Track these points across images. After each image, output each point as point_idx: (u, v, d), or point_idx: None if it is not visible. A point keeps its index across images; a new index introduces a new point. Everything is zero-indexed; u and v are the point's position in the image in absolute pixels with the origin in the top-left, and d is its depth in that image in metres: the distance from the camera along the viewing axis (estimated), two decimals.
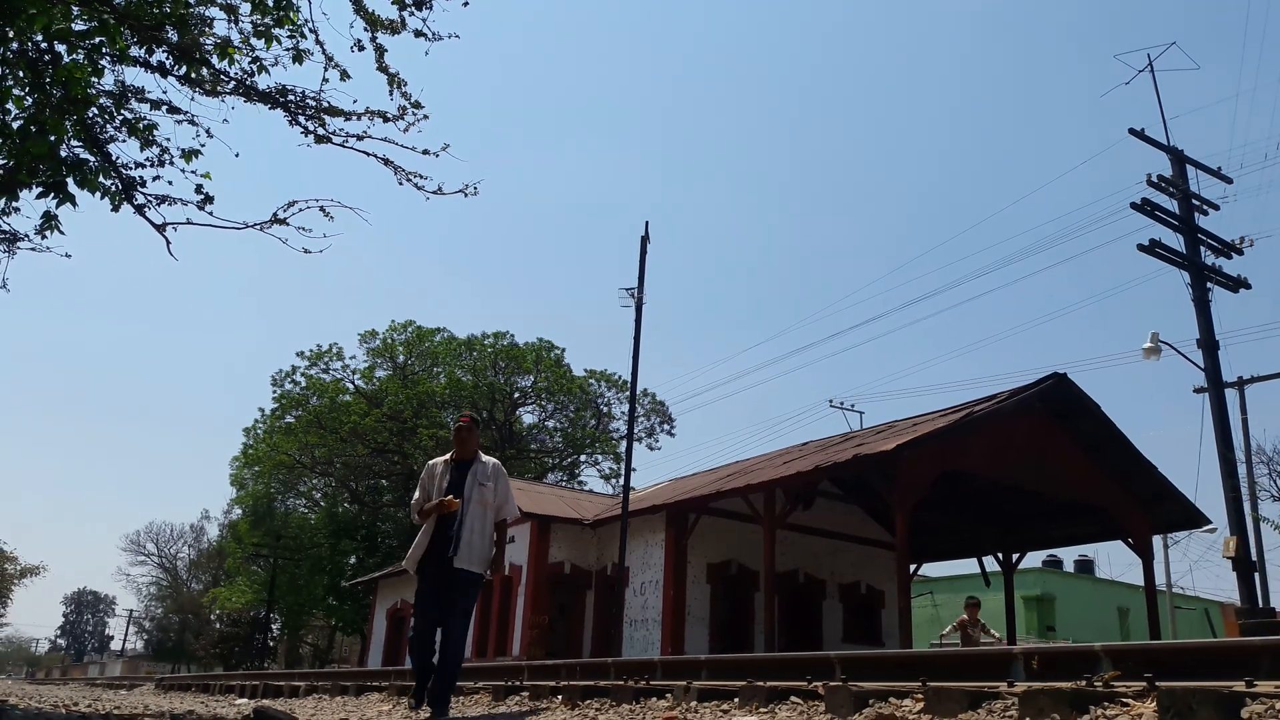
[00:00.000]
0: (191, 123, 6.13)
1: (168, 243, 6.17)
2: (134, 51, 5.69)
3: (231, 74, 6.03)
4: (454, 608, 6.04)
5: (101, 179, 5.89)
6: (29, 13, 4.68)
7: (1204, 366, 15.55)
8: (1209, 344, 15.40)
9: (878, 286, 74.96)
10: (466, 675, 10.24)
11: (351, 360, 38.54)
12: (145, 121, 6.05)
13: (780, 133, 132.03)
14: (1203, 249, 15.91)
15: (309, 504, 42.75)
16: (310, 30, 5.95)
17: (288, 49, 5.94)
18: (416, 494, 6.35)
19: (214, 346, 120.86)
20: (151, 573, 72.11)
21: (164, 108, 6.07)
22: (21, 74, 5.49)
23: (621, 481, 25.63)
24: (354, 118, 6.19)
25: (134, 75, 6.05)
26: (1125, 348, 78.68)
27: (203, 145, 6.09)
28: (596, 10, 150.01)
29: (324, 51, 6.02)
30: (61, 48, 5.33)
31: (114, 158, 6.06)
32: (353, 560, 37.06)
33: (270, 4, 5.75)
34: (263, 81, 6.08)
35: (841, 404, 33.72)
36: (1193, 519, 16.91)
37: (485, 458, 6.41)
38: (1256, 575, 15.18)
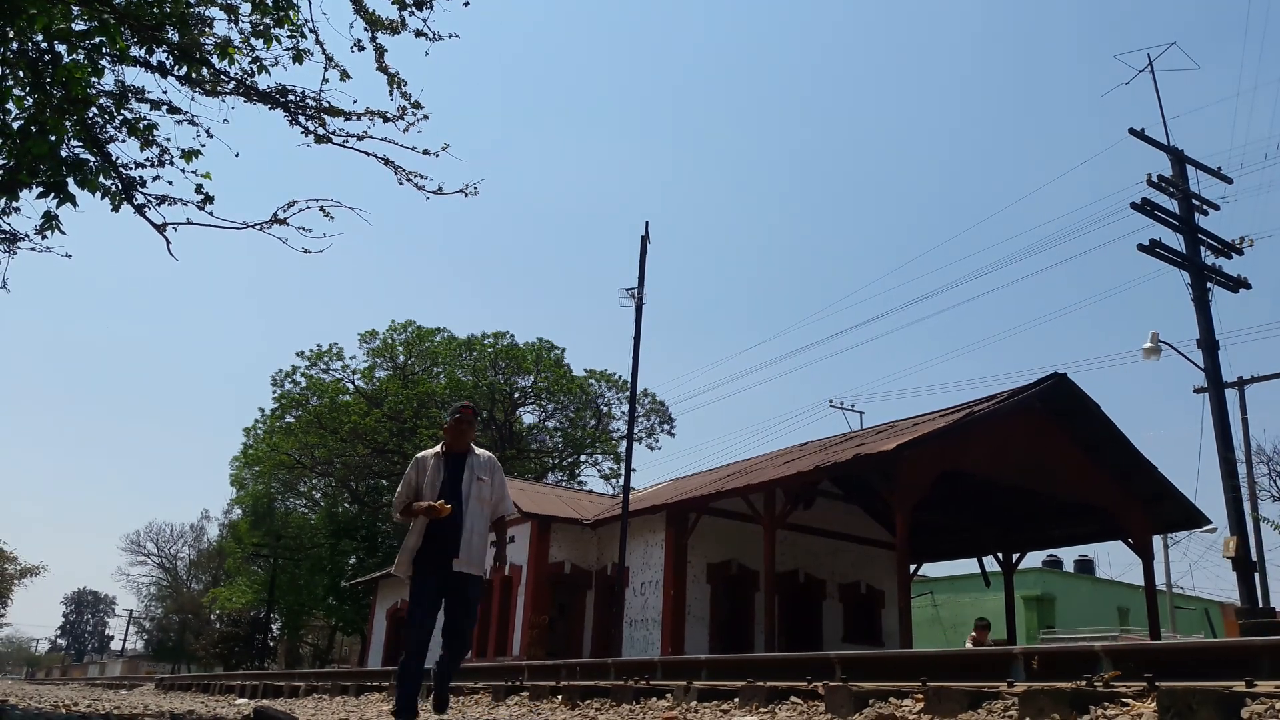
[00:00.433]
0: (191, 123, 6.13)
1: (168, 243, 6.17)
2: (134, 51, 5.69)
3: (231, 74, 6.02)
4: (462, 616, 5.63)
5: (101, 179, 5.89)
6: (29, 13, 4.68)
7: (1204, 366, 15.55)
8: (1209, 344, 15.40)
9: (878, 286, 75.04)
10: (467, 675, 10.25)
11: (351, 360, 38.57)
12: (145, 121, 6.05)
13: (780, 133, 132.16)
14: (1203, 249, 15.90)
15: (309, 504, 42.75)
16: (310, 30, 5.95)
17: (288, 49, 5.93)
18: (400, 489, 5.83)
19: (214, 346, 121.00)
20: (151, 573, 72.15)
21: (164, 108, 6.07)
22: (22, 74, 5.49)
23: (621, 481, 25.65)
24: (354, 118, 6.18)
25: (134, 75, 6.05)
26: (1125, 348, 78.70)
27: (203, 145, 6.08)
28: (597, 10, 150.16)
29: (324, 51, 6.02)
30: (61, 48, 5.33)
31: (114, 158, 6.06)
32: (353, 560, 37.07)
33: (270, 4, 5.75)
34: (263, 81, 6.08)
35: (841, 404, 33.70)
36: (1193, 519, 16.91)
37: (479, 450, 6.01)
38: (1256, 575, 15.18)
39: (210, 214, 6.07)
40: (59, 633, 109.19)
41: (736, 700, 5.92)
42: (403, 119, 6.19)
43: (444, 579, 5.61)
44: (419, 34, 6.01)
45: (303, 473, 39.48)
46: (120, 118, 6.03)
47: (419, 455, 5.96)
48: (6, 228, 6.46)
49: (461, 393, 35.64)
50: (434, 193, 6.32)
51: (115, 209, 6.04)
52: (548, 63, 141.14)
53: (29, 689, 24.46)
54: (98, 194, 5.87)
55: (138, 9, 5.45)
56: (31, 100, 5.38)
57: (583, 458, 40.71)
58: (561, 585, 18.69)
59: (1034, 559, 25.55)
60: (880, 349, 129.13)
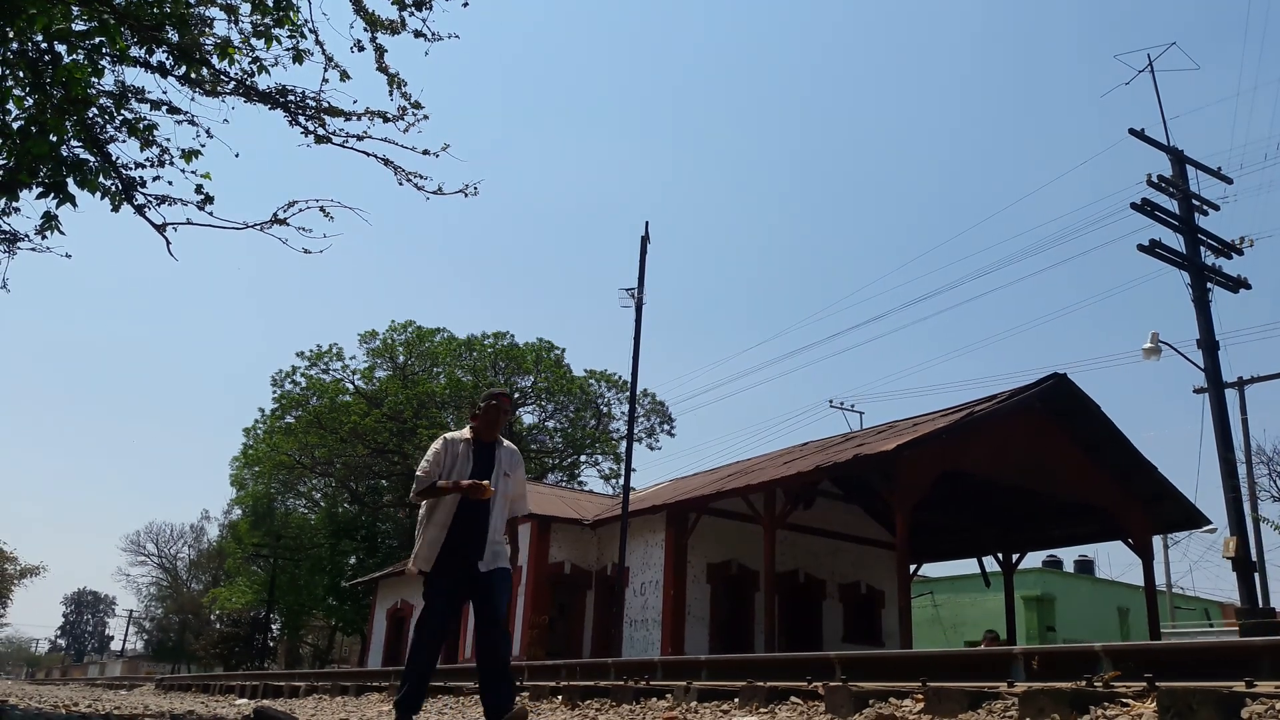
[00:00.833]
0: (191, 123, 6.13)
1: (168, 243, 6.17)
2: (134, 51, 5.69)
3: (231, 74, 6.02)
4: (494, 615, 5.14)
5: (101, 179, 5.89)
6: (29, 13, 4.68)
7: (1204, 366, 15.54)
8: (1209, 344, 15.40)
9: (878, 286, 75.01)
10: (466, 675, 10.24)
11: (351, 360, 38.56)
12: (145, 122, 6.05)
13: (780, 134, 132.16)
14: (1203, 249, 15.90)
15: (309, 504, 42.75)
16: (310, 30, 5.95)
17: (288, 49, 5.93)
18: (426, 467, 5.21)
19: (214, 346, 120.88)
20: (151, 573, 72.11)
21: (164, 108, 6.07)
22: (21, 74, 5.49)
23: (621, 481, 25.67)
24: (354, 118, 6.18)
25: (134, 75, 6.05)
26: (1125, 348, 78.68)
27: (203, 145, 6.09)
28: (597, 10, 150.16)
29: (324, 52, 6.02)
30: (61, 48, 5.33)
31: (114, 158, 6.06)
32: (353, 560, 37.08)
33: (270, 4, 5.75)
34: (263, 81, 6.08)
35: (841, 404, 33.72)
36: (1193, 519, 16.92)
37: (506, 443, 5.54)
38: (1256, 575, 15.18)
39: (210, 214, 6.08)
40: (59, 633, 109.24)
41: (736, 700, 5.92)
42: (403, 119, 6.19)
43: (468, 579, 5.17)
44: (419, 34, 6.01)
45: (303, 473, 39.47)
46: (120, 118, 6.03)
47: (449, 436, 5.41)
48: (6, 228, 6.47)
49: (461, 393, 35.67)
50: (434, 193, 6.32)
51: (115, 209, 6.04)
52: (547, 63, 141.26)
53: (29, 689, 24.46)
54: (98, 194, 5.87)
55: (138, 9, 5.45)
56: (31, 100, 5.38)
57: (583, 458, 40.73)
58: (561, 585, 18.69)
59: (1034, 559, 25.52)
60: (880, 349, 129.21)
